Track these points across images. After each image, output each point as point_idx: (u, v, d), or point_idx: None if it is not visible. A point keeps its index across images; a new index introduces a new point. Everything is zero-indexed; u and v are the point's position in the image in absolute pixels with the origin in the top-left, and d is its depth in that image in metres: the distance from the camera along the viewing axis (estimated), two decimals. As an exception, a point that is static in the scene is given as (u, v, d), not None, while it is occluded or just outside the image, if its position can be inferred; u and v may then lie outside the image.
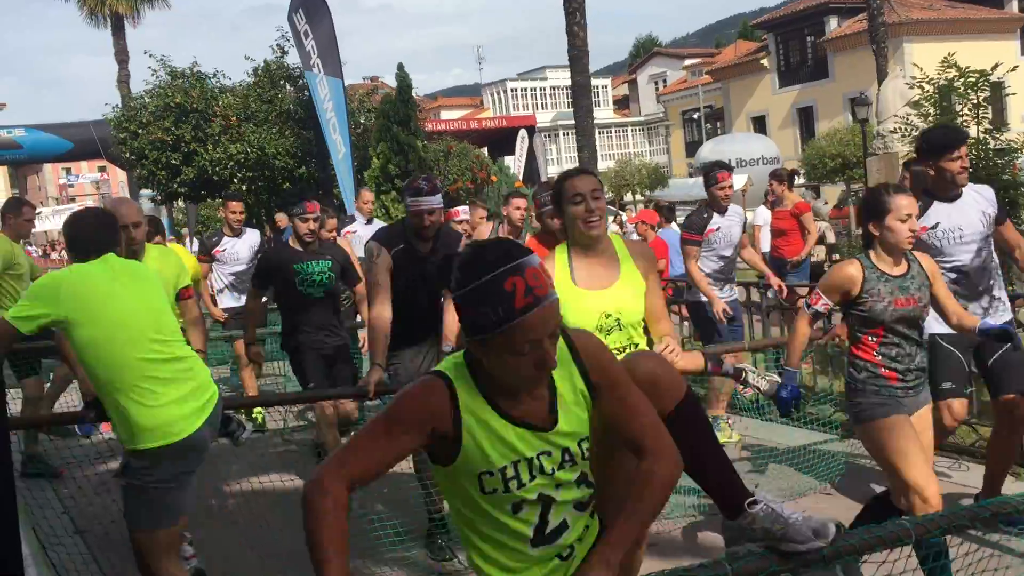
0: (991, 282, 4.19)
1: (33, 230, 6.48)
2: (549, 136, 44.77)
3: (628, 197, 35.62)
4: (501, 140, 27.15)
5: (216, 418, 3.40)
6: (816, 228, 10.41)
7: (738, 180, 10.97)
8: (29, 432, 5.85)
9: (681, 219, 8.83)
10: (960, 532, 2.28)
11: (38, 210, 6.70)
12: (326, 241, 5.73)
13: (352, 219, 8.34)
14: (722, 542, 2.17)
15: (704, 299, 5.97)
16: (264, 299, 5.78)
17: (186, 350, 3.42)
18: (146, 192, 21.91)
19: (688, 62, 48.96)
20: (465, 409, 1.85)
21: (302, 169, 18.83)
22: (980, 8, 35.08)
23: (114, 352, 3.17)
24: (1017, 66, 8.68)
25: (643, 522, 1.95)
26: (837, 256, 13.70)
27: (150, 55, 20.49)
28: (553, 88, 49.63)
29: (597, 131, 20.66)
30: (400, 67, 18.10)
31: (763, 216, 10.34)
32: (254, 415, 6.74)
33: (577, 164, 17.82)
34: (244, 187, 18.53)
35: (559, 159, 44.69)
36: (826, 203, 22.31)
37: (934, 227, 4.09)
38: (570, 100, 18.72)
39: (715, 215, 5.98)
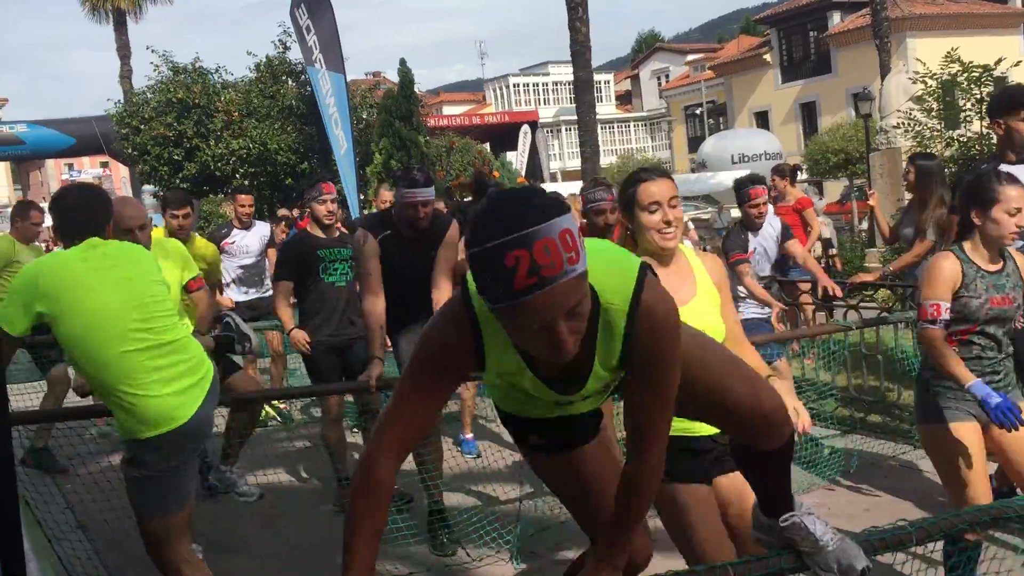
0: None
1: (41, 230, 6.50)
2: (551, 132, 44.71)
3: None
4: (503, 136, 27.16)
5: (214, 394, 3.21)
6: (818, 223, 10.40)
7: (740, 176, 10.93)
8: (42, 426, 5.85)
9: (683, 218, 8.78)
10: (960, 535, 2.27)
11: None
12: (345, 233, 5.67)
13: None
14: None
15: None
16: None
17: (177, 331, 3.17)
18: (148, 187, 21.91)
19: (691, 57, 48.88)
20: (491, 354, 1.76)
21: (304, 165, 18.85)
22: (983, 3, 35.00)
23: (94, 348, 2.99)
24: (1020, 61, 8.64)
25: (633, 526, 1.95)
26: (834, 251, 13.65)
27: (152, 51, 20.54)
28: (555, 83, 49.55)
29: (599, 126, 20.64)
30: (402, 62, 18.13)
31: (765, 212, 10.31)
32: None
33: (579, 160, 17.81)
34: (246, 182, 18.53)
35: (561, 155, 44.67)
36: (820, 198, 22.29)
37: None
38: (572, 95, 18.69)
39: (750, 235, 5.81)
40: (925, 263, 6.00)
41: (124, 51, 29.20)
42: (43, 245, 10.48)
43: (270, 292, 6.01)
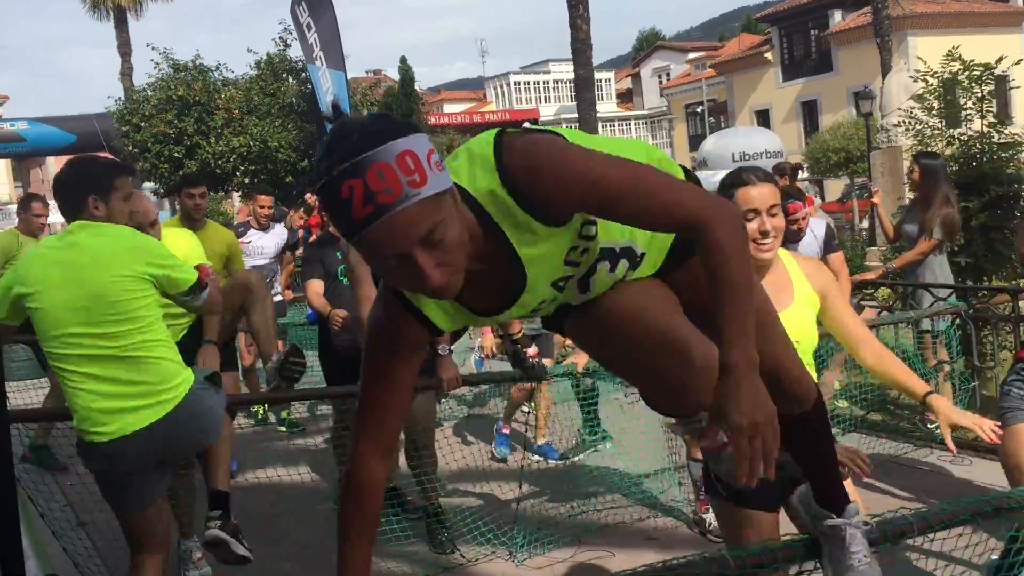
0: None
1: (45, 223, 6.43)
2: (552, 130, 44.75)
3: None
4: (504, 134, 27.17)
5: (179, 422, 2.95)
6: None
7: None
8: (42, 424, 5.84)
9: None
10: (962, 526, 2.27)
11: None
12: None
13: None
14: (720, 540, 2.17)
15: None
16: (291, 292, 5.50)
17: (141, 348, 2.93)
18: (148, 185, 21.93)
19: (691, 56, 48.89)
20: (430, 309, 1.64)
21: (304, 162, 18.84)
22: (985, 2, 35.01)
23: (42, 339, 2.97)
24: (1022, 59, 8.63)
25: (747, 296, 1.51)
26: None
27: (153, 48, 20.53)
28: (556, 81, 49.54)
29: (600, 125, 20.65)
30: (403, 60, 18.14)
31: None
32: (255, 409, 6.75)
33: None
34: (247, 180, 18.54)
35: (562, 153, 44.66)
36: (816, 195, 22.36)
37: None
38: (573, 94, 18.67)
39: (790, 247, 5.70)
40: (928, 261, 6.03)
41: (125, 48, 29.21)
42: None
43: (279, 296, 5.95)
